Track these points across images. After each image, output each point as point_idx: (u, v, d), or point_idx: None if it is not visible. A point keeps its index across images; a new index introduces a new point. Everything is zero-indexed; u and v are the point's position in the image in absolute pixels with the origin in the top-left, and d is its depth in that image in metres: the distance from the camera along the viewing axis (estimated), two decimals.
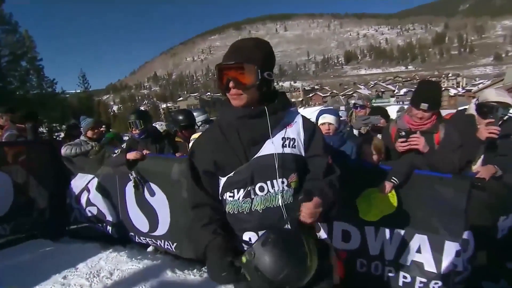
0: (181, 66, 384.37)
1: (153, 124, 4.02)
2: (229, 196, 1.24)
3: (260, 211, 1.20)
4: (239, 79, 1.15)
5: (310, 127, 1.28)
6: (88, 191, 3.63)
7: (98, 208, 3.56)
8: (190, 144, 2.80)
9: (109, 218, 3.50)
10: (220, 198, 1.30)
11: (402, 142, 2.13)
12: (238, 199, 1.22)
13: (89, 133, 3.78)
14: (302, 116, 1.31)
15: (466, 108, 2.64)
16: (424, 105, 2.07)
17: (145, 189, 3.07)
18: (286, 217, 1.18)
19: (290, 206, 1.19)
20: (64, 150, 3.66)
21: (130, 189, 3.16)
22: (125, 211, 3.32)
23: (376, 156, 2.25)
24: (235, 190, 1.23)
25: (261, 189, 1.20)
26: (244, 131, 1.20)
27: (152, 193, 3.04)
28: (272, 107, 1.19)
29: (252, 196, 1.20)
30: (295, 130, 1.25)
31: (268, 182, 1.19)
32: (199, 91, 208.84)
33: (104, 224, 3.55)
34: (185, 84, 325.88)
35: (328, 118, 2.60)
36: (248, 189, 1.20)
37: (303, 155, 1.25)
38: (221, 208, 1.29)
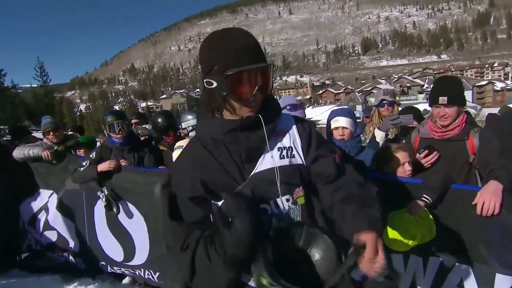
0: (164, 57, 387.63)
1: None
2: None
3: None
4: (267, 83, 1.16)
5: (306, 129, 1.31)
6: (47, 211, 3.58)
7: (58, 233, 3.52)
8: (174, 153, 2.79)
9: (73, 244, 3.46)
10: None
11: (425, 156, 2.28)
12: None
13: (49, 136, 3.81)
14: (295, 118, 1.36)
15: None
16: (443, 99, 2.17)
17: (119, 209, 3.02)
18: None
19: None
20: (17, 152, 3.46)
21: (100, 208, 3.13)
22: (94, 236, 3.28)
23: (405, 168, 2.20)
24: None
25: (264, 211, 1.21)
26: (235, 146, 1.20)
27: (127, 215, 3.01)
28: (267, 115, 1.20)
29: None
30: (291, 137, 1.28)
31: (271, 202, 1.21)
32: (186, 87, 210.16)
33: (67, 253, 3.51)
34: (169, 79, 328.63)
35: (341, 122, 2.59)
36: None
37: (305, 163, 1.27)
38: None
